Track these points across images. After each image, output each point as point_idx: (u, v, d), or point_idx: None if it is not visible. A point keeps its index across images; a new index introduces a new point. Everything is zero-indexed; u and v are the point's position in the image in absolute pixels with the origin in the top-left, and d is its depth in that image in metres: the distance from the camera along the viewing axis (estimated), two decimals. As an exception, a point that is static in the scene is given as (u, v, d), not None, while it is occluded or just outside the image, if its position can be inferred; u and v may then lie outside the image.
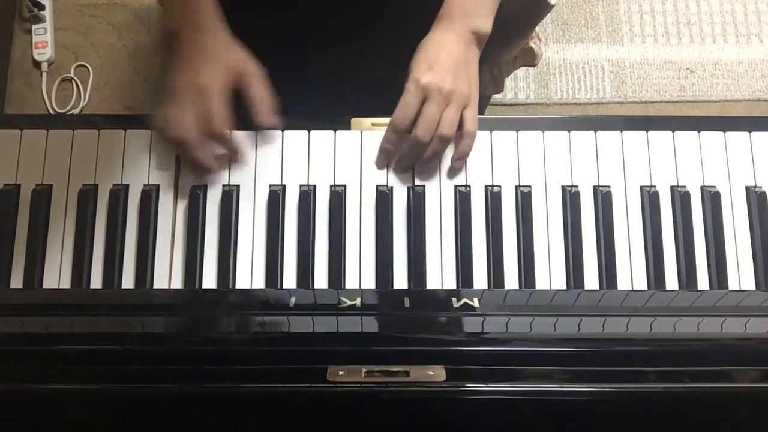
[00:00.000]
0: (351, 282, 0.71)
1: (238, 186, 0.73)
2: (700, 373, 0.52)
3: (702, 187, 0.74)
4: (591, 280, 0.71)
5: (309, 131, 0.74)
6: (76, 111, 1.38)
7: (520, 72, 1.38)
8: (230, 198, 0.72)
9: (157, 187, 0.73)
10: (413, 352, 0.53)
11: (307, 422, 0.51)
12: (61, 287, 0.71)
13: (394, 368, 0.50)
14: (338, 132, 0.74)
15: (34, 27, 1.41)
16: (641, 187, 0.74)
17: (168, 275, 0.71)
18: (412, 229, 0.72)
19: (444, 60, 0.72)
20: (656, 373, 0.52)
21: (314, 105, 0.77)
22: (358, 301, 0.61)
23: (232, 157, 0.73)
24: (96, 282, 0.71)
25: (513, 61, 1.10)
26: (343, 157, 0.74)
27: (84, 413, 0.52)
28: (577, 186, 0.74)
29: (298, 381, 0.50)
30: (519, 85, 1.41)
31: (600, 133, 0.75)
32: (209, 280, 0.71)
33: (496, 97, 1.33)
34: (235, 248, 0.72)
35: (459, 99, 0.72)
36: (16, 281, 0.71)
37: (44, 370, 0.52)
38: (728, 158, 0.75)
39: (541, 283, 0.71)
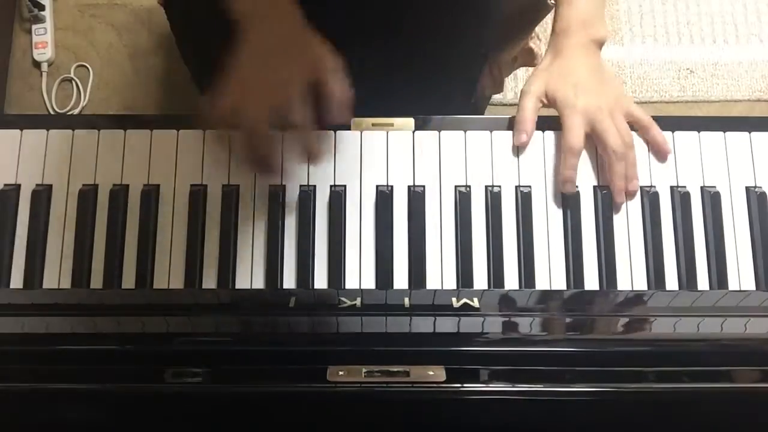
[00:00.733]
0: (351, 282, 0.71)
1: (238, 186, 0.73)
2: (700, 373, 0.52)
3: (702, 187, 0.74)
4: (591, 280, 0.71)
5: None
6: (76, 111, 1.38)
7: (520, 72, 1.38)
8: (230, 198, 0.72)
9: (157, 187, 0.73)
10: (413, 352, 0.53)
11: (307, 422, 0.51)
12: (61, 287, 0.71)
13: (394, 368, 0.50)
14: (338, 132, 0.74)
15: (34, 27, 1.41)
16: (641, 188, 0.74)
17: (168, 275, 0.71)
18: (412, 229, 0.72)
19: (585, 77, 0.74)
20: (656, 373, 0.52)
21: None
22: (358, 301, 0.61)
23: (310, 156, 0.69)
24: (96, 282, 0.71)
25: (513, 61, 1.10)
26: (343, 157, 0.74)
27: (84, 413, 0.52)
28: (577, 186, 0.74)
29: (298, 381, 0.50)
30: (519, 85, 1.41)
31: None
32: (209, 280, 0.71)
33: (496, 97, 1.33)
34: (235, 248, 0.72)
35: (618, 106, 0.73)
36: (16, 281, 0.71)
37: (44, 370, 0.52)
38: (728, 158, 0.75)
39: (541, 283, 0.71)
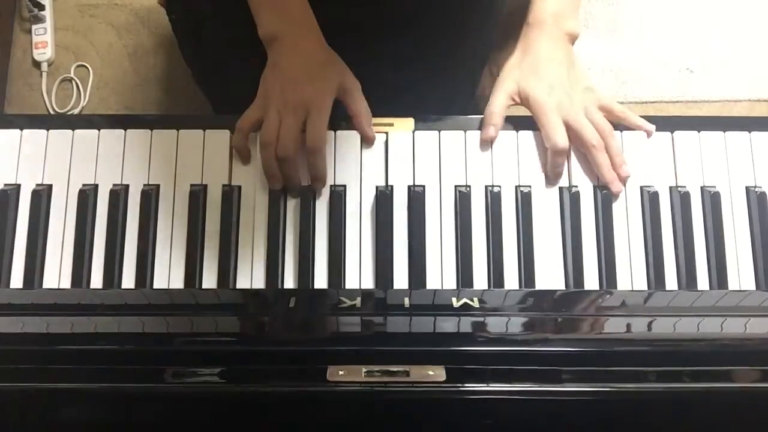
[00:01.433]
0: (351, 282, 0.71)
1: (238, 186, 0.73)
2: (700, 373, 0.52)
3: (702, 187, 0.74)
4: (591, 280, 0.71)
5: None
6: (76, 111, 1.38)
7: (520, 72, 1.38)
8: (230, 198, 0.72)
9: (157, 187, 0.73)
10: (413, 352, 0.53)
11: (307, 422, 0.51)
12: (61, 287, 0.71)
13: (394, 368, 0.50)
14: (338, 132, 0.74)
15: (34, 27, 1.41)
16: (641, 187, 0.74)
17: (168, 275, 0.71)
18: (412, 229, 0.72)
19: (556, 74, 0.74)
20: (656, 373, 0.52)
21: None
22: (358, 301, 0.61)
23: (316, 173, 0.72)
24: (96, 282, 0.71)
25: (513, 61, 1.09)
26: (344, 157, 0.74)
27: (84, 413, 0.52)
28: (577, 186, 0.74)
29: (298, 381, 0.50)
30: (519, 85, 1.41)
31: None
32: (209, 280, 0.71)
33: (496, 97, 1.33)
34: (236, 248, 0.72)
35: (590, 101, 0.74)
36: (16, 281, 0.71)
37: (44, 370, 0.52)
38: (728, 158, 0.75)
39: (541, 283, 0.71)
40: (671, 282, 0.72)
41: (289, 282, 0.71)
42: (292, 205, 0.73)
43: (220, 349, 0.55)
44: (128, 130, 0.75)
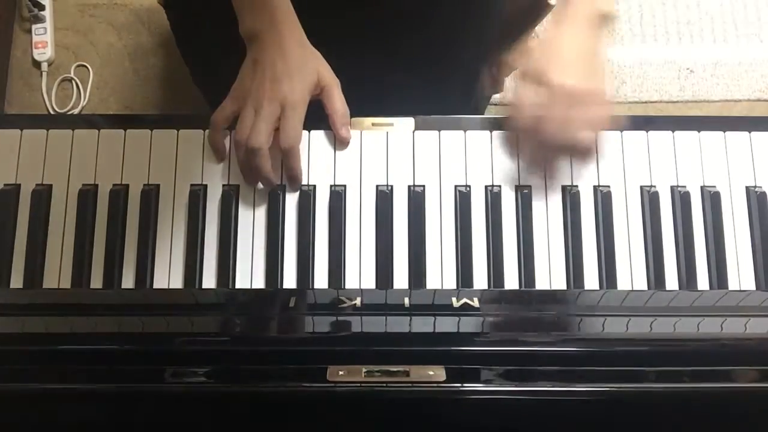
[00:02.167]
0: (351, 282, 0.71)
1: (237, 186, 0.73)
2: (700, 373, 0.52)
3: (702, 187, 0.74)
4: (591, 280, 0.71)
5: (309, 131, 0.74)
6: (76, 111, 1.38)
7: (520, 72, 1.38)
8: (230, 198, 0.72)
9: (158, 187, 0.73)
10: (413, 352, 0.53)
11: (307, 422, 0.51)
12: (61, 287, 0.71)
13: (394, 368, 0.50)
14: (338, 132, 0.74)
15: (34, 27, 1.41)
16: (641, 187, 0.74)
17: (168, 275, 0.71)
18: (412, 229, 0.72)
19: (575, 58, 0.70)
20: (656, 373, 0.52)
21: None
22: (358, 301, 0.61)
23: (290, 173, 0.72)
24: (96, 282, 0.71)
25: (513, 61, 1.10)
26: (343, 157, 0.74)
27: (84, 413, 0.52)
28: (577, 186, 0.74)
29: (298, 381, 0.50)
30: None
31: (600, 133, 0.75)
32: (209, 280, 0.71)
33: (496, 97, 1.33)
34: (235, 248, 0.72)
35: (598, 97, 0.70)
36: (16, 281, 0.71)
37: (44, 370, 0.52)
38: (728, 158, 0.75)
39: (541, 283, 0.71)
40: (671, 282, 0.72)
41: (289, 282, 0.71)
42: (292, 205, 0.73)
43: (219, 349, 0.55)
44: (128, 130, 0.75)
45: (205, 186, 0.73)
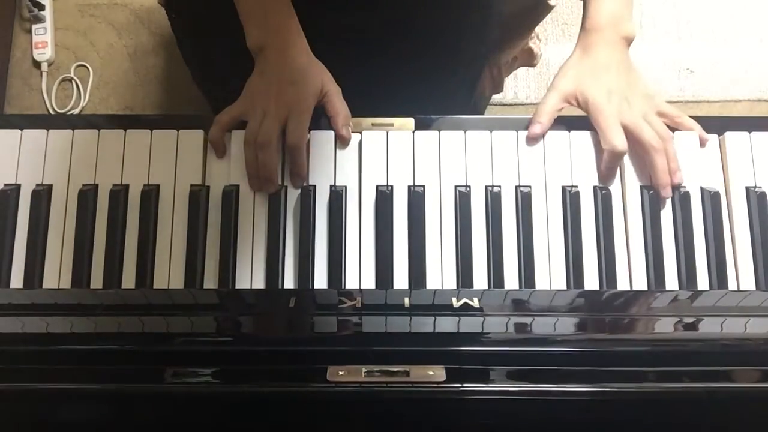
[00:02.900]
0: (351, 282, 0.71)
1: (238, 186, 0.73)
2: (700, 373, 0.52)
3: (702, 187, 0.74)
4: (591, 280, 0.71)
5: (309, 131, 0.74)
6: (76, 111, 1.38)
7: (520, 72, 1.38)
8: (230, 198, 0.72)
9: (157, 187, 0.73)
10: (413, 352, 0.53)
11: (307, 422, 0.51)
12: (61, 287, 0.71)
13: (394, 368, 0.50)
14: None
15: (34, 27, 1.41)
16: (641, 187, 0.74)
17: (168, 275, 0.71)
18: (412, 229, 0.72)
19: (615, 78, 0.74)
20: (656, 373, 0.52)
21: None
22: (358, 301, 0.61)
23: (296, 173, 0.73)
24: (96, 282, 0.71)
25: (513, 62, 1.10)
26: (343, 157, 0.74)
27: (84, 413, 0.52)
28: (577, 186, 0.74)
29: (298, 381, 0.50)
30: (519, 85, 1.41)
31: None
32: (209, 280, 0.71)
33: (496, 97, 1.33)
34: (236, 248, 0.72)
35: (649, 107, 0.74)
36: (16, 281, 0.71)
37: (44, 370, 0.52)
38: (728, 158, 0.75)
39: (541, 283, 0.71)
40: (671, 282, 0.72)
41: (289, 282, 0.71)
42: (292, 205, 0.73)
43: (219, 349, 0.55)
44: (128, 130, 0.75)
45: (205, 186, 0.73)
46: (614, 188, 0.74)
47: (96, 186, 0.73)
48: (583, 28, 0.77)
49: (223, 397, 0.50)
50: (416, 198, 0.72)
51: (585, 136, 0.75)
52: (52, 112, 1.38)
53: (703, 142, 0.75)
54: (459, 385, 0.50)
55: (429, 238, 0.72)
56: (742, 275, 0.72)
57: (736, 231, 0.73)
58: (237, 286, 0.71)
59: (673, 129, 0.75)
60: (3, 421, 0.50)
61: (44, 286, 0.71)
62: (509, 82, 1.39)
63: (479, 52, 0.92)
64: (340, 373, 0.50)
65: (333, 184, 0.73)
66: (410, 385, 0.49)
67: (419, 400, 0.50)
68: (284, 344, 0.56)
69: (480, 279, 0.71)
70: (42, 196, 0.72)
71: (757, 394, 0.52)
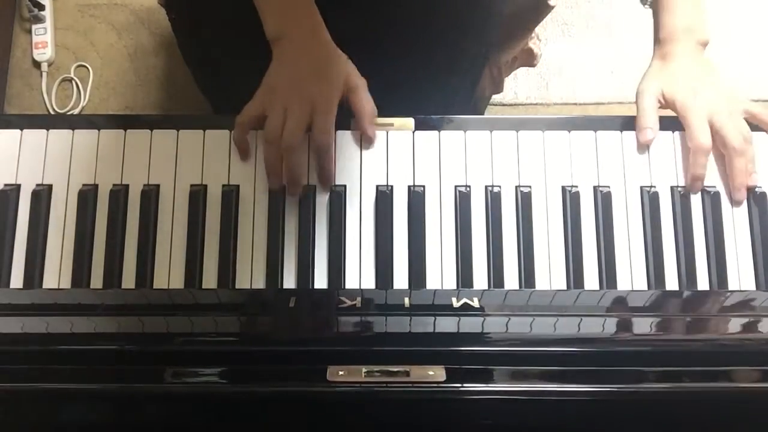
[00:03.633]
0: (351, 282, 0.71)
1: (238, 186, 0.73)
2: (700, 373, 0.52)
3: (702, 187, 0.74)
4: (591, 280, 0.71)
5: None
6: (76, 111, 1.38)
7: (520, 72, 1.38)
8: (230, 198, 0.72)
9: (157, 187, 0.73)
10: (413, 352, 0.53)
11: (307, 422, 0.51)
12: (61, 287, 0.71)
13: (394, 368, 0.50)
14: (338, 132, 0.74)
15: (34, 27, 1.41)
16: (641, 187, 0.74)
17: (168, 275, 0.71)
18: (412, 229, 0.72)
19: (700, 79, 0.75)
20: (656, 373, 0.52)
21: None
22: (358, 301, 0.61)
23: (324, 175, 0.72)
24: (96, 282, 0.71)
25: (512, 62, 1.10)
26: (344, 157, 0.74)
27: (84, 413, 0.52)
28: (577, 186, 0.74)
29: (298, 381, 0.50)
30: (519, 86, 1.41)
31: (600, 133, 0.75)
32: (209, 280, 0.71)
33: (496, 97, 1.33)
34: (235, 248, 0.72)
35: (734, 105, 0.75)
36: (16, 281, 0.71)
37: (44, 370, 0.52)
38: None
39: (541, 283, 0.71)
40: (671, 282, 0.72)
41: (289, 282, 0.71)
42: (292, 205, 0.73)
43: (220, 349, 0.55)
44: (128, 130, 0.75)
45: (205, 186, 0.73)
46: (614, 188, 0.74)
47: (96, 186, 0.73)
48: (657, 39, 0.78)
49: (224, 397, 0.50)
50: (416, 198, 0.72)
51: (585, 136, 0.75)
52: (52, 112, 1.38)
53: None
54: (459, 385, 0.50)
55: (429, 238, 0.72)
56: (742, 275, 0.72)
57: (736, 231, 0.73)
58: (237, 286, 0.71)
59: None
60: (3, 421, 0.50)
61: (44, 286, 0.71)
62: (509, 82, 1.39)
63: (479, 52, 0.92)
64: (340, 373, 0.49)
65: (333, 184, 0.73)
66: (410, 385, 0.49)
67: (419, 400, 0.50)
68: (284, 344, 0.56)
69: (480, 279, 0.71)
70: (42, 196, 0.72)
71: (757, 394, 0.52)
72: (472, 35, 0.87)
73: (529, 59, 1.11)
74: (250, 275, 0.71)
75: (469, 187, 0.73)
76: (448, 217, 0.73)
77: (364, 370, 0.50)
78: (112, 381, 0.51)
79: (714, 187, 0.74)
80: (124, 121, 0.76)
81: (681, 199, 0.73)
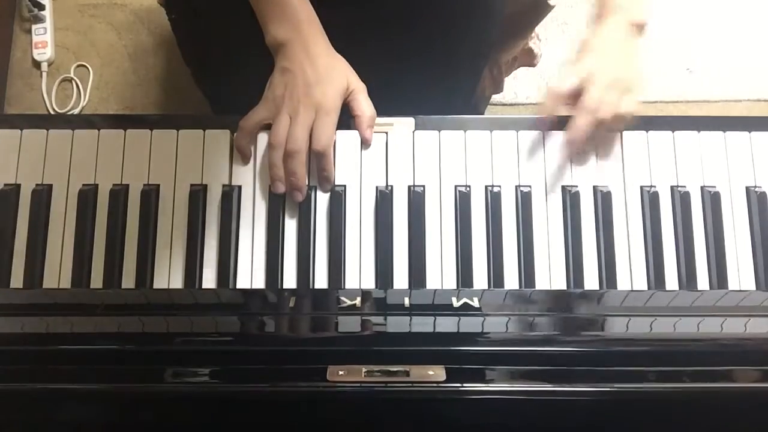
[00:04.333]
0: (351, 282, 0.71)
1: (238, 186, 0.73)
2: (700, 373, 0.52)
3: (702, 187, 0.74)
4: (591, 280, 0.71)
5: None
6: (76, 111, 1.38)
7: (520, 72, 1.38)
8: (230, 198, 0.72)
9: (157, 187, 0.73)
10: (413, 352, 0.53)
11: (307, 422, 0.51)
12: (61, 287, 0.71)
13: (394, 368, 0.50)
14: (338, 132, 0.74)
15: (34, 27, 1.41)
16: (641, 187, 0.74)
17: (168, 275, 0.71)
18: (412, 229, 0.72)
19: (605, 48, 0.74)
20: (656, 373, 0.52)
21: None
22: (358, 301, 0.61)
23: (324, 178, 0.72)
24: (96, 282, 0.71)
25: (513, 62, 1.10)
26: (343, 157, 0.74)
27: (84, 413, 0.52)
28: (577, 186, 0.74)
29: (298, 381, 0.50)
30: (519, 85, 1.41)
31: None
32: (209, 280, 0.71)
33: (496, 97, 1.33)
34: (236, 248, 0.72)
35: (621, 84, 0.73)
36: (16, 281, 0.71)
37: (44, 370, 0.52)
38: (728, 158, 0.75)
39: (541, 283, 0.71)
40: (671, 282, 0.72)
41: (289, 282, 0.71)
42: (292, 205, 0.73)
43: (220, 349, 0.55)
44: (128, 130, 0.74)
45: (205, 186, 0.73)
46: (614, 188, 0.74)
47: (96, 186, 0.73)
48: (596, 14, 0.77)
49: (223, 396, 0.50)
50: (416, 198, 0.72)
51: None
52: (52, 112, 1.38)
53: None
54: (459, 385, 0.50)
55: (429, 238, 0.72)
56: (742, 275, 0.72)
57: (736, 231, 0.73)
58: (237, 286, 0.71)
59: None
60: (3, 421, 0.50)
61: (44, 286, 0.71)
62: (509, 82, 1.38)
63: (479, 52, 0.92)
64: (340, 373, 0.50)
65: (333, 184, 0.73)
66: (410, 385, 0.49)
67: (419, 400, 0.50)
68: (284, 344, 0.56)
69: (480, 279, 0.71)
70: (42, 196, 0.72)
71: (757, 394, 0.52)
72: (472, 35, 0.87)
73: (529, 59, 1.11)
74: (250, 275, 0.71)
75: (469, 187, 0.73)
76: (448, 217, 0.73)
77: (364, 370, 0.50)
78: (112, 381, 0.51)
79: (714, 186, 0.74)
80: (124, 121, 0.76)
81: (681, 199, 0.73)
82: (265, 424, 0.52)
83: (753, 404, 0.52)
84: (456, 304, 0.60)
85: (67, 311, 0.62)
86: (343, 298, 0.61)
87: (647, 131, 0.75)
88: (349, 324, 0.60)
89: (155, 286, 0.71)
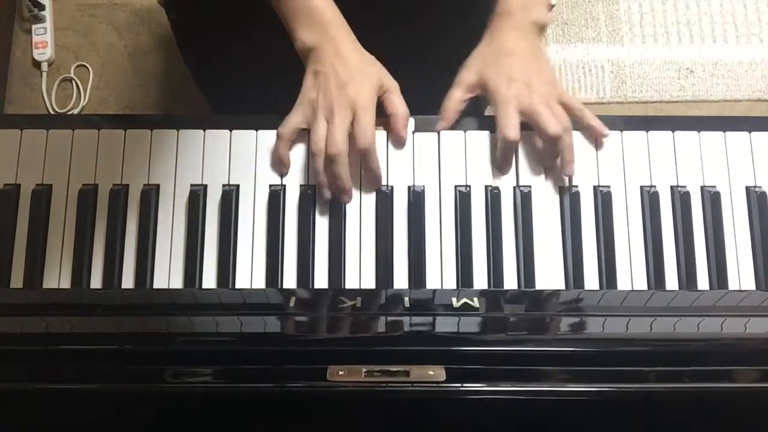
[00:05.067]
0: (351, 282, 0.71)
1: (238, 186, 0.73)
2: (700, 373, 0.52)
3: (702, 187, 0.74)
4: (591, 280, 0.71)
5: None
6: (76, 111, 1.38)
7: (520, 72, 1.38)
8: (230, 198, 0.72)
9: (157, 187, 0.73)
10: (413, 352, 0.53)
11: (307, 422, 0.51)
12: (61, 287, 0.71)
13: (394, 368, 0.50)
14: (338, 132, 0.74)
15: (34, 27, 1.41)
16: (641, 187, 0.74)
17: (168, 275, 0.71)
18: (412, 229, 0.72)
19: (518, 65, 0.73)
20: (656, 373, 0.52)
21: None
22: (358, 301, 0.61)
23: (371, 173, 0.72)
24: (96, 282, 0.71)
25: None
26: (343, 157, 0.74)
27: (84, 413, 0.52)
28: (577, 186, 0.74)
29: (298, 381, 0.50)
30: (519, 85, 1.41)
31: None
32: (209, 280, 0.71)
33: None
34: (235, 248, 0.72)
35: (551, 94, 0.73)
36: (16, 281, 0.71)
37: (44, 370, 0.52)
38: (728, 158, 0.75)
39: (542, 283, 0.71)
40: (671, 282, 0.72)
41: (289, 282, 0.71)
42: (292, 205, 0.73)
43: (220, 349, 0.55)
44: (128, 130, 0.74)
45: (205, 186, 0.73)
46: (614, 188, 0.74)
47: (96, 186, 0.73)
48: (494, 12, 0.76)
49: (223, 396, 0.50)
50: (416, 198, 0.72)
51: (583, 136, 0.75)
52: (52, 112, 1.38)
53: (599, 139, 0.74)
54: (459, 385, 0.50)
55: (429, 238, 0.72)
56: (742, 275, 0.72)
57: (736, 231, 0.73)
58: (237, 286, 0.71)
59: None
60: (3, 421, 0.50)
61: (44, 286, 0.71)
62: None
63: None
64: (340, 373, 0.50)
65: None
66: (410, 385, 0.49)
67: (419, 400, 0.50)
68: (284, 344, 0.56)
69: (480, 279, 0.71)
70: (42, 196, 0.72)
71: (757, 394, 0.52)
72: (473, 34, 0.87)
73: (529, 59, 1.10)
74: (250, 275, 0.71)
75: (469, 187, 0.73)
76: (448, 217, 0.73)
77: (364, 370, 0.50)
78: (112, 381, 0.51)
79: (714, 186, 0.74)
80: (124, 121, 0.76)
81: (681, 199, 0.73)
82: (265, 424, 0.52)
83: (753, 404, 0.52)
84: (456, 304, 0.60)
85: (67, 311, 0.62)
86: (343, 298, 0.61)
87: (647, 131, 0.75)
88: (349, 324, 0.60)
89: (155, 286, 0.71)
